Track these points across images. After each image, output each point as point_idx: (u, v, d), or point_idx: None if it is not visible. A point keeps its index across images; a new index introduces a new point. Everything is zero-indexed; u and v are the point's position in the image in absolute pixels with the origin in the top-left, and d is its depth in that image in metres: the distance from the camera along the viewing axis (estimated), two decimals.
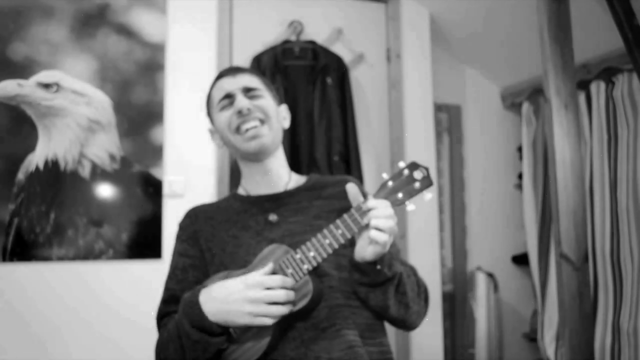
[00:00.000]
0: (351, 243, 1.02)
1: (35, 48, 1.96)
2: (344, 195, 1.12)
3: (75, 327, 1.90)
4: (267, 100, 1.16)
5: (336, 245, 0.96)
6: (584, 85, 2.31)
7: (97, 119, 1.99)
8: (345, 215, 0.96)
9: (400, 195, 0.97)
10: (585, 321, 1.47)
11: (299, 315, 0.98)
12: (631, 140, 2.11)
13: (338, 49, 2.31)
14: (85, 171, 1.96)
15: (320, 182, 1.20)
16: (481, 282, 2.76)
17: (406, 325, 1.08)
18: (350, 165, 2.21)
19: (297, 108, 2.16)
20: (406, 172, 0.98)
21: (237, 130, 1.12)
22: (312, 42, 2.24)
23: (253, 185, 1.18)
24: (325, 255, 0.96)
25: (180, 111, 2.10)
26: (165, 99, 2.09)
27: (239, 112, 1.11)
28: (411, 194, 0.98)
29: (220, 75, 1.21)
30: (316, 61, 2.21)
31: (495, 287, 2.78)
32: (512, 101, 2.91)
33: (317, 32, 2.31)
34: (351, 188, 0.99)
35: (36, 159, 1.92)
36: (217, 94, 1.17)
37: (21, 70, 1.93)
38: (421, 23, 2.53)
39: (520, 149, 2.89)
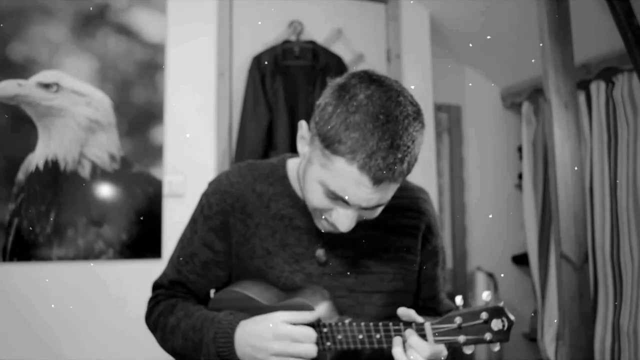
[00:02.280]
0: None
1: (35, 48, 1.96)
2: (409, 230, 0.98)
3: (75, 326, 1.90)
4: (381, 208, 0.87)
5: (367, 346, 0.85)
6: (584, 85, 2.31)
7: (97, 119, 1.99)
8: (391, 325, 0.83)
9: (462, 339, 0.79)
10: (585, 321, 1.47)
11: None
12: (631, 140, 2.11)
13: (338, 49, 2.31)
14: (85, 171, 1.96)
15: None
16: (481, 282, 2.76)
17: None
18: None
19: (297, 108, 2.16)
20: (484, 316, 0.78)
21: (322, 216, 0.88)
22: (312, 42, 2.24)
23: None
24: (352, 348, 0.86)
25: (180, 111, 2.10)
26: (165, 99, 2.09)
27: (334, 225, 0.87)
28: (476, 342, 0.79)
29: (363, 162, 0.76)
30: (316, 61, 2.21)
31: (495, 287, 2.78)
32: (512, 101, 2.91)
33: (317, 32, 2.31)
34: (403, 313, 0.82)
35: (36, 159, 1.92)
36: (339, 181, 0.80)
37: (21, 70, 1.93)
38: (421, 23, 2.53)
39: (520, 149, 2.89)
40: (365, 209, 0.83)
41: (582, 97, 2.32)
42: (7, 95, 1.89)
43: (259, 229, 0.96)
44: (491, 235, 2.91)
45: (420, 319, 0.81)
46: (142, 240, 1.99)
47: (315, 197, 0.85)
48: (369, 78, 0.82)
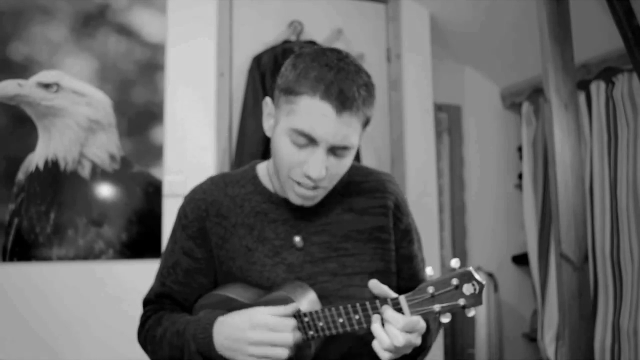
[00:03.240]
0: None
1: (35, 48, 1.96)
2: (379, 210, 1.01)
3: (74, 326, 1.90)
4: (348, 158, 0.92)
5: (349, 329, 0.87)
6: (584, 85, 2.31)
7: (97, 119, 1.99)
8: (367, 304, 0.85)
9: (437, 307, 0.82)
10: (585, 321, 1.47)
11: None
12: (631, 140, 2.11)
13: None
14: (85, 171, 1.96)
15: (354, 187, 1.02)
16: None
17: None
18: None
19: None
20: (455, 282, 0.81)
21: (296, 181, 0.91)
22: (312, 42, 2.24)
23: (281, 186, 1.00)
24: (334, 333, 0.87)
25: (180, 111, 2.10)
26: (165, 99, 2.09)
27: (308, 177, 0.89)
28: (451, 310, 0.82)
29: (324, 92, 0.85)
30: None
31: (495, 287, 2.78)
32: (512, 101, 2.91)
33: (317, 32, 2.31)
34: (374, 287, 0.85)
35: (36, 159, 1.92)
36: (302, 119, 0.86)
37: (21, 70, 1.93)
38: (421, 23, 2.53)
39: (520, 149, 2.89)
40: (333, 148, 0.87)
41: (582, 97, 2.32)
42: (7, 95, 1.89)
43: (237, 228, 0.99)
44: (491, 235, 2.91)
45: (393, 294, 0.84)
46: (142, 240, 1.99)
47: (285, 152, 0.89)
48: (320, 47, 0.96)
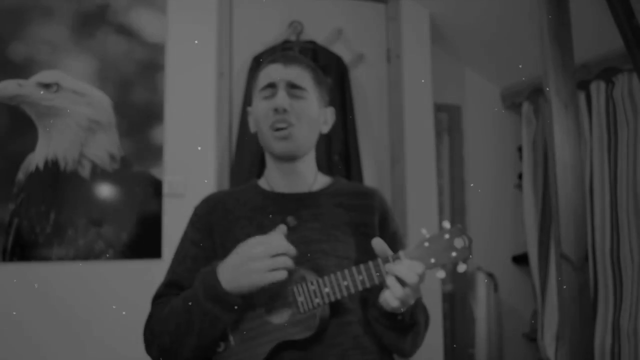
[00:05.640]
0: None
1: (35, 48, 1.96)
2: (366, 209, 1.13)
3: (74, 327, 1.90)
4: (307, 103, 1.12)
5: (353, 291, 0.93)
6: (584, 85, 2.31)
7: (97, 119, 1.99)
8: (370, 263, 0.93)
9: (432, 260, 0.92)
10: (585, 321, 1.47)
11: (296, 345, 0.96)
12: (631, 140, 2.11)
13: (338, 49, 2.31)
14: (85, 171, 1.96)
15: (344, 190, 1.18)
16: (481, 282, 2.76)
17: (406, 356, 1.10)
18: (350, 165, 2.21)
19: None
20: (447, 236, 0.92)
21: (272, 127, 1.09)
22: (312, 42, 2.24)
23: (276, 181, 1.16)
24: (339, 297, 0.94)
25: (180, 111, 2.10)
26: (165, 99, 2.09)
27: (275, 110, 1.08)
28: (445, 262, 0.92)
29: (273, 60, 1.14)
30: (316, 61, 2.21)
31: (495, 287, 2.78)
32: (512, 101, 2.91)
33: (317, 32, 2.31)
34: (377, 244, 0.94)
35: (36, 159, 1.92)
36: (263, 80, 1.13)
37: (21, 70, 1.93)
38: (421, 23, 2.53)
39: (520, 149, 2.89)
40: (289, 87, 1.09)
41: (582, 97, 2.32)
42: (7, 95, 1.89)
43: (239, 220, 1.11)
44: (491, 235, 2.91)
45: (391, 252, 0.94)
46: (142, 240, 1.99)
47: (260, 109, 1.11)
48: None
